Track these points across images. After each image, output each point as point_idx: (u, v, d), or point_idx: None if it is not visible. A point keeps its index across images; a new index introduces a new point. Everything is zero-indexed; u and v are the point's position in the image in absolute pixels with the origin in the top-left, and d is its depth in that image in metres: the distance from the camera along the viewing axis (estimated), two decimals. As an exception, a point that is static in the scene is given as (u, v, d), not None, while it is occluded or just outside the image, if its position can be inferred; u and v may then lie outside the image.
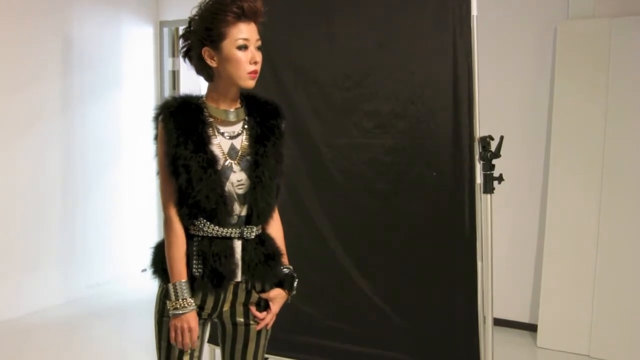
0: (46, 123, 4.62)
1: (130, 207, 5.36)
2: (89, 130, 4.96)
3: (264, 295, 1.84)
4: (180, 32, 5.73)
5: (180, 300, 1.71)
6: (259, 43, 1.74)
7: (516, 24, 4.13)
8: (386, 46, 2.87)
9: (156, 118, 1.77)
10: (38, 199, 4.56)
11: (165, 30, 5.59)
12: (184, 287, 1.72)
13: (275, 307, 1.85)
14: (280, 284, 1.86)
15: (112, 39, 5.16)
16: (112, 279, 5.17)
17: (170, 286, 1.73)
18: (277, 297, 1.85)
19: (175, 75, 5.64)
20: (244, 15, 1.69)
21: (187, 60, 1.82)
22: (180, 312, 1.72)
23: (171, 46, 5.66)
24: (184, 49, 1.80)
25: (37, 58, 4.53)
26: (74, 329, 4.27)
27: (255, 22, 1.74)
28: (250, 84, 1.74)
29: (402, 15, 2.83)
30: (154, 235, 5.61)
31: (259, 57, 1.74)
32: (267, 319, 1.85)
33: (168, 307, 1.74)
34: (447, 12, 2.70)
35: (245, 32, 1.70)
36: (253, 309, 1.84)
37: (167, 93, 5.57)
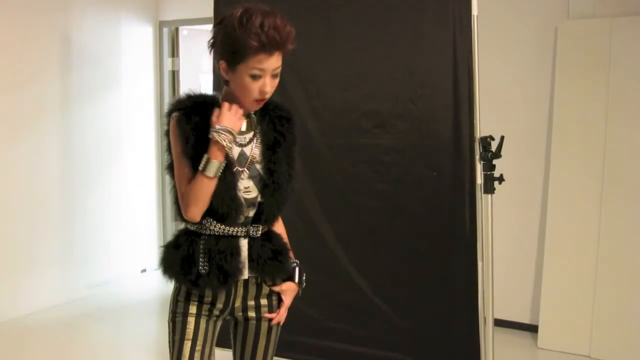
0: (45, 122, 4.62)
1: (129, 207, 5.35)
2: (88, 130, 4.95)
3: (275, 289, 1.86)
4: (181, 31, 5.59)
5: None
6: (278, 71, 1.70)
7: (517, 23, 4.13)
8: (386, 46, 2.87)
9: (169, 114, 1.75)
10: (37, 199, 4.55)
11: (165, 30, 5.58)
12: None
13: (287, 300, 1.88)
14: (289, 278, 1.88)
15: (112, 39, 5.15)
16: (112, 279, 5.16)
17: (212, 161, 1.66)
18: (289, 290, 1.88)
19: (174, 75, 5.63)
20: (267, 47, 1.62)
21: (211, 52, 1.77)
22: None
23: (171, 46, 5.65)
24: (211, 42, 1.74)
25: (37, 57, 4.53)
26: (73, 329, 4.27)
27: (282, 51, 1.68)
28: (254, 108, 1.74)
29: (402, 15, 2.83)
30: (154, 236, 5.60)
31: (270, 86, 1.69)
32: (281, 312, 1.87)
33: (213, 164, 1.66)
34: (448, 11, 2.70)
35: (263, 63, 1.64)
36: (266, 313, 1.86)
37: (167, 93, 5.56)
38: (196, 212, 1.71)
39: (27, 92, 4.47)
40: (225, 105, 1.71)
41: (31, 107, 4.51)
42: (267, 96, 1.71)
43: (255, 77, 1.66)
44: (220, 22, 1.71)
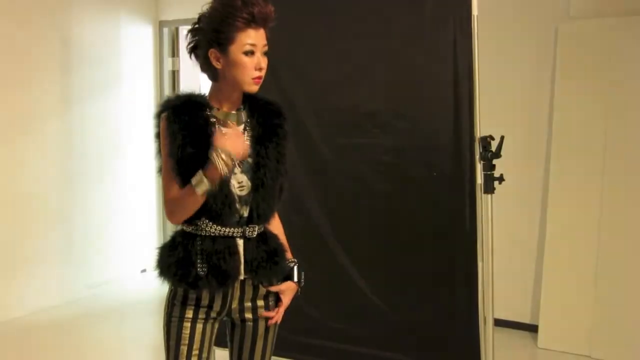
0: (45, 123, 4.62)
1: (129, 207, 5.35)
2: (89, 130, 4.95)
3: (274, 288, 1.85)
4: (181, 31, 5.64)
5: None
6: (266, 48, 1.74)
7: (517, 23, 4.13)
8: (386, 46, 2.87)
9: (158, 115, 1.75)
10: (37, 199, 4.55)
11: (165, 30, 5.58)
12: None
13: (286, 300, 1.87)
14: (288, 277, 1.88)
15: (112, 39, 5.16)
16: (112, 280, 5.17)
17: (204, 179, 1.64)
18: (288, 289, 1.87)
19: (174, 75, 5.63)
20: (253, 21, 1.68)
21: (192, 56, 1.81)
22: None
23: (171, 46, 5.65)
24: (191, 45, 1.78)
25: (37, 58, 4.53)
26: (73, 329, 4.27)
27: (265, 28, 1.73)
28: (253, 88, 1.75)
29: (402, 15, 2.82)
30: (154, 236, 5.60)
31: (264, 62, 1.74)
32: (279, 311, 1.86)
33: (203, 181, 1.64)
34: (448, 11, 2.70)
35: (252, 38, 1.70)
36: (263, 312, 1.85)
37: (167, 93, 5.56)
38: (179, 219, 1.72)
39: (28, 92, 4.48)
40: (231, 128, 1.73)
41: (31, 107, 4.51)
42: (263, 73, 1.74)
43: (248, 54, 1.69)
44: (198, 22, 1.75)
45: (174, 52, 5.65)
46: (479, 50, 2.64)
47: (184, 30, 5.61)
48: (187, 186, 1.66)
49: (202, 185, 1.64)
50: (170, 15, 5.53)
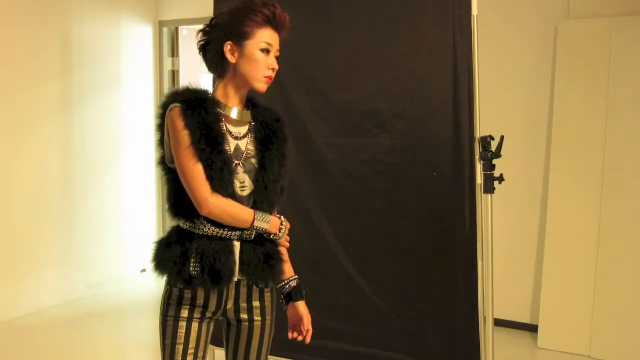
0: (46, 123, 4.62)
1: (129, 207, 5.36)
2: (89, 130, 4.95)
3: (305, 319, 1.92)
4: (181, 31, 5.63)
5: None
6: (279, 54, 1.79)
7: (516, 24, 4.13)
8: (386, 46, 2.87)
9: (165, 106, 1.74)
10: (37, 199, 4.56)
11: (165, 30, 5.58)
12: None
13: (307, 315, 1.93)
14: (290, 297, 1.91)
15: (112, 39, 5.16)
16: (112, 279, 5.17)
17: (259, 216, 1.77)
18: (303, 310, 1.92)
19: (174, 75, 5.63)
20: (274, 22, 1.74)
21: (201, 54, 1.82)
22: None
23: (171, 46, 5.65)
24: (202, 42, 1.80)
25: (37, 58, 4.53)
26: (73, 329, 4.27)
27: (280, 35, 1.78)
28: (263, 87, 1.77)
29: (402, 15, 2.83)
30: (154, 235, 5.60)
31: (276, 65, 1.77)
32: (309, 329, 1.95)
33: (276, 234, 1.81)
34: (448, 11, 2.70)
35: (270, 38, 1.74)
36: (293, 334, 1.94)
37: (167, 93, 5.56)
38: (211, 215, 1.72)
39: (28, 93, 4.48)
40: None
41: (32, 107, 4.51)
42: (274, 75, 1.78)
43: (264, 52, 1.74)
44: (212, 20, 1.79)
45: (174, 52, 5.65)
46: (479, 50, 2.64)
47: (184, 31, 5.62)
48: (248, 208, 1.74)
49: (262, 222, 1.76)
50: (170, 15, 5.54)
